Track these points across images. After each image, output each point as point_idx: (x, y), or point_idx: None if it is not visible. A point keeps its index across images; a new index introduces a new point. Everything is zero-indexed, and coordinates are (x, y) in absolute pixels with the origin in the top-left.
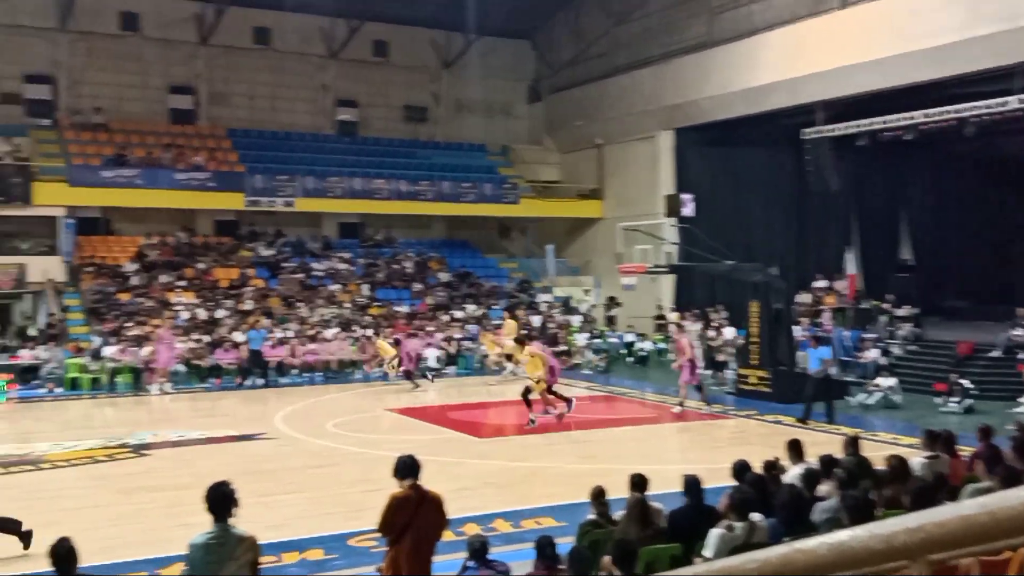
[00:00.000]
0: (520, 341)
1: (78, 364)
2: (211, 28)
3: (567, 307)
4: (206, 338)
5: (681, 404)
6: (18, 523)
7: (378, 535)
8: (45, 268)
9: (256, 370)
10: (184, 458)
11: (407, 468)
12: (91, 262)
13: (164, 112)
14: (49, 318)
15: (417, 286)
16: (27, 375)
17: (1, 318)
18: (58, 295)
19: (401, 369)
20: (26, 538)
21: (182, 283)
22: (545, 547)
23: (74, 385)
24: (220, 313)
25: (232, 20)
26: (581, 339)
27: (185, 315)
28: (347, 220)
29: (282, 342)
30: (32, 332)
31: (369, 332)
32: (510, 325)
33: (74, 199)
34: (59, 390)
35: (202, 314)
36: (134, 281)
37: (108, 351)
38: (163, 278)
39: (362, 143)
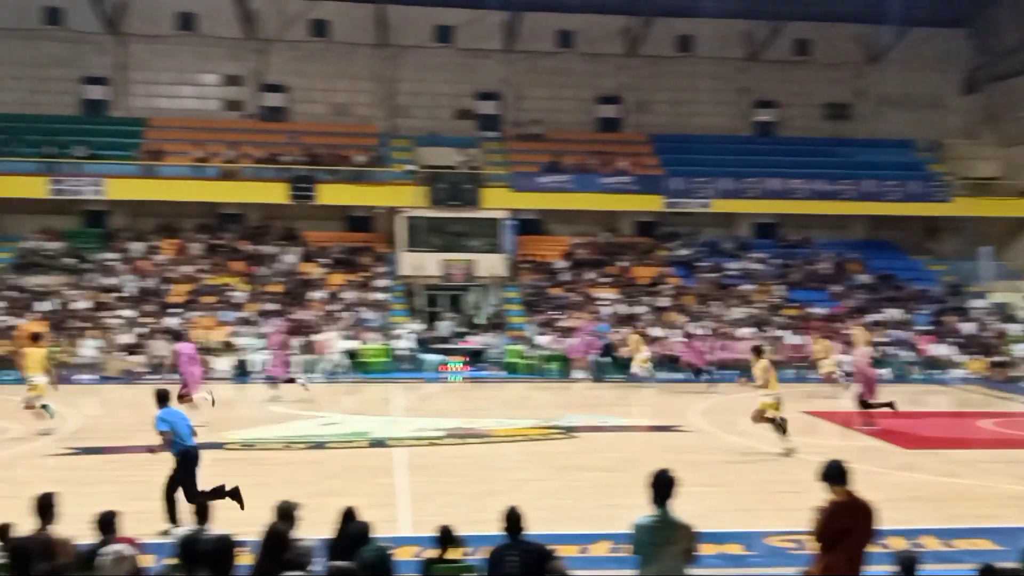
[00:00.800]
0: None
1: (516, 351)
2: (637, 40)
3: (1005, 314)
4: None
5: None
6: (222, 489)
7: (802, 538)
8: (490, 264)
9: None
10: (607, 442)
11: (840, 474)
12: (528, 259)
13: (592, 121)
14: (493, 308)
15: (835, 288)
16: (474, 358)
17: (454, 307)
18: (500, 289)
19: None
20: (237, 498)
21: (605, 280)
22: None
23: (512, 369)
24: (639, 309)
25: (657, 31)
26: (1020, 349)
27: (607, 310)
28: (762, 220)
29: (694, 339)
30: (479, 320)
31: (781, 332)
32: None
33: (515, 203)
34: (500, 373)
35: (623, 309)
36: (564, 277)
37: (541, 340)
38: (588, 275)
39: (780, 143)
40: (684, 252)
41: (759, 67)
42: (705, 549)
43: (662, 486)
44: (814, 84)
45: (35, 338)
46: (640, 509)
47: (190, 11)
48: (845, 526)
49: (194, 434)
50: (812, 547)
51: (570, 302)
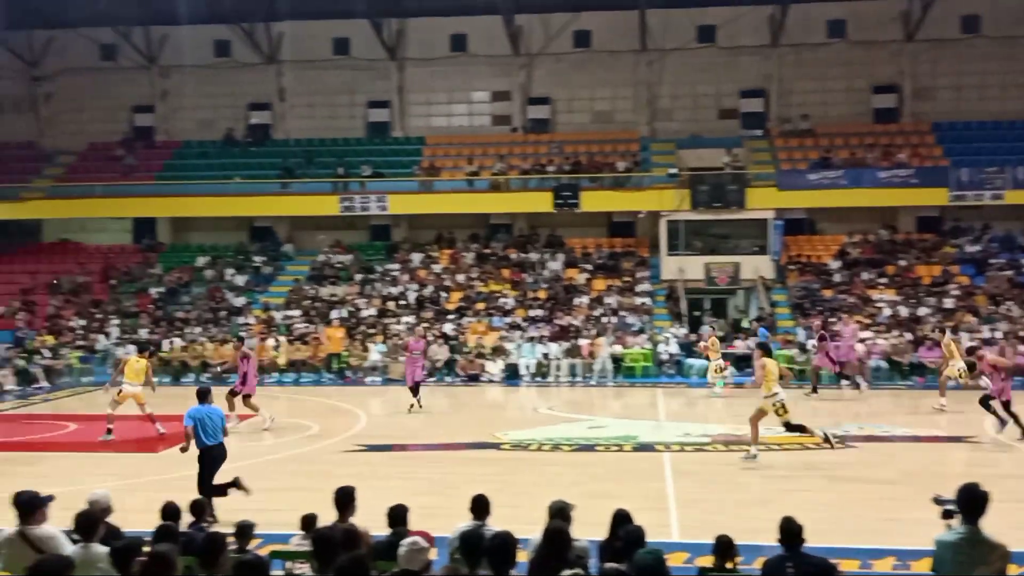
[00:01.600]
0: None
1: (786, 356)
2: (917, 23)
3: None
4: (908, 335)
5: None
6: (226, 486)
7: None
8: (756, 266)
9: None
10: (888, 453)
11: None
12: (796, 260)
13: (867, 112)
14: (759, 312)
15: None
16: (740, 363)
17: (718, 311)
18: (767, 291)
19: None
20: (239, 487)
21: (883, 280)
22: None
23: (782, 375)
24: (922, 311)
25: (938, 12)
26: None
27: (887, 312)
28: None
29: (989, 343)
30: (744, 324)
31: None
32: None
33: (782, 202)
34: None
35: (903, 311)
36: (837, 278)
37: (812, 344)
38: (865, 275)
39: None
40: (973, 248)
41: None
42: (1011, 569)
43: (974, 501)
44: None
45: (141, 350)
46: (927, 524)
47: (461, 33)
48: None
49: (225, 433)
50: None
51: (844, 304)
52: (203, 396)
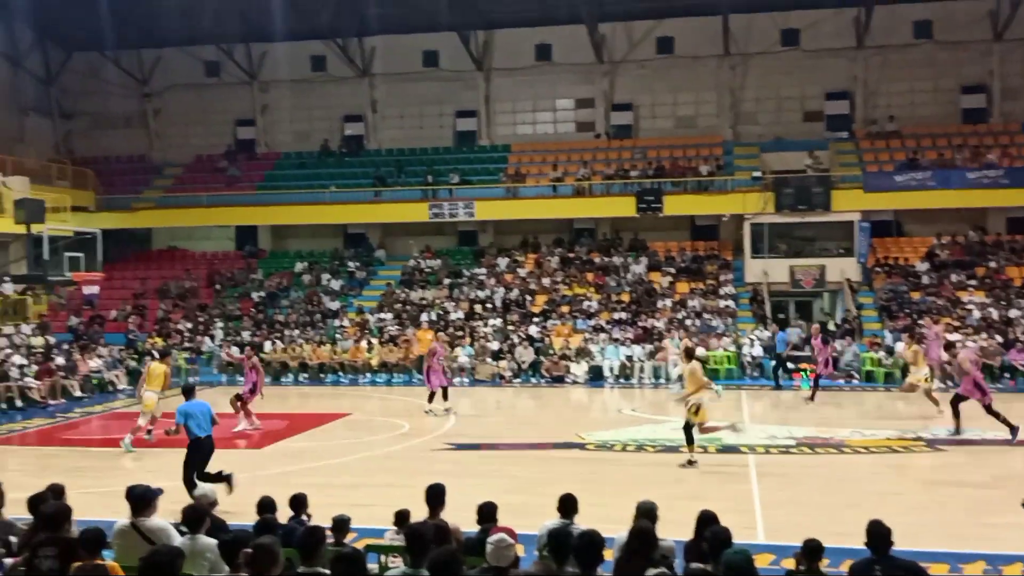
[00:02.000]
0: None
1: (873, 358)
2: (1005, 22)
3: None
4: (998, 338)
5: None
6: (219, 475)
7: None
8: (842, 268)
9: None
10: (981, 457)
11: None
12: (883, 262)
13: (955, 113)
14: (845, 314)
15: None
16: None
17: (804, 314)
18: (853, 293)
19: None
20: (227, 480)
21: (972, 282)
22: None
23: (869, 378)
24: (1013, 313)
25: None
26: None
27: (976, 314)
28: None
29: None
30: (830, 327)
31: None
32: None
33: (868, 204)
34: (855, 381)
35: (994, 314)
36: (925, 280)
37: (900, 347)
38: (954, 277)
39: None
40: None
41: None
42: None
43: None
44: None
45: (163, 355)
46: (1019, 529)
47: (546, 43)
48: None
49: (214, 423)
50: None
51: (933, 307)
52: (189, 392)
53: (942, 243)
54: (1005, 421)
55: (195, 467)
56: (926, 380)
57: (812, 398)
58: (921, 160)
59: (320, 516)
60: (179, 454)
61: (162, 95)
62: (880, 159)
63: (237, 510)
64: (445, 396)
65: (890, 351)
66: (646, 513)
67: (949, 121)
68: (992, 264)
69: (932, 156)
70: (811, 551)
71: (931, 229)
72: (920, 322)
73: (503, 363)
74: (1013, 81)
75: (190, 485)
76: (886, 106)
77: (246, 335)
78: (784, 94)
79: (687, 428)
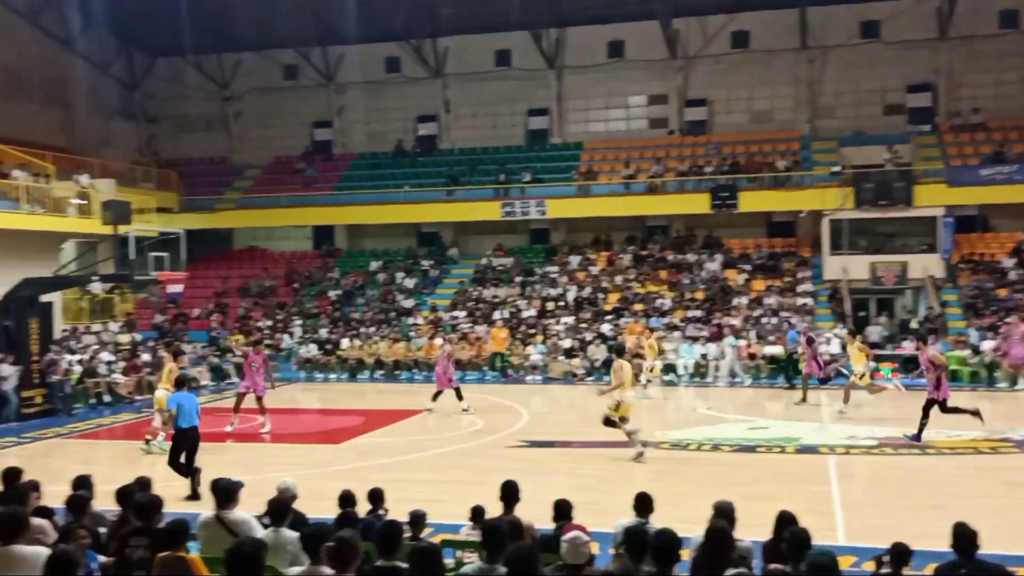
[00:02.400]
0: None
1: (958, 357)
2: None
3: None
4: None
5: None
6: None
7: None
8: (925, 265)
9: None
10: None
11: None
12: (968, 259)
13: None
14: (928, 312)
15: None
16: (907, 365)
17: (884, 311)
18: (937, 290)
19: None
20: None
21: None
22: None
23: (954, 377)
24: None
25: None
26: None
27: None
28: None
29: None
30: (913, 325)
31: None
32: None
33: (952, 198)
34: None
35: None
36: (1012, 276)
37: (985, 346)
38: None
39: None
40: None
41: None
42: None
43: None
44: None
45: (176, 355)
46: None
47: (618, 39)
48: None
49: (199, 415)
50: None
51: (1019, 304)
52: (182, 384)
53: None
54: None
55: (179, 451)
56: (861, 377)
57: (804, 399)
58: (1007, 153)
59: (396, 511)
60: (256, 449)
61: (242, 98)
62: (964, 152)
63: (316, 505)
64: (459, 395)
65: (976, 350)
66: (723, 513)
67: None
68: None
69: (1019, 149)
70: (899, 555)
71: (1018, 224)
72: (1007, 320)
73: (575, 361)
74: None
75: (181, 471)
76: (970, 98)
77: (323, 332)
78: (864, 87)
79: (608, 422)
